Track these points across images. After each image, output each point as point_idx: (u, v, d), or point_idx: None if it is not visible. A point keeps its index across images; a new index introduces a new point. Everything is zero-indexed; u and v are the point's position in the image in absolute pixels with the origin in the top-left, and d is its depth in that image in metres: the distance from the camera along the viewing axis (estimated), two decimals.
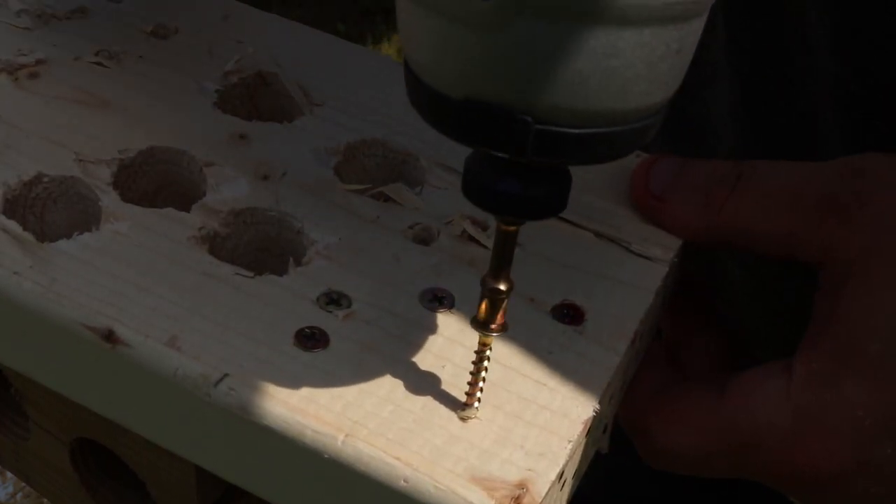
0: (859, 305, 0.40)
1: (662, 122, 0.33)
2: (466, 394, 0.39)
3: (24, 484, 1.14)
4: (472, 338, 0.41)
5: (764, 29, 0.51)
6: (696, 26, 0.31)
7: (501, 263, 0.36)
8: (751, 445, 0.41)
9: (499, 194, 0.33)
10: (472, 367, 0.38)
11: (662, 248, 0.45)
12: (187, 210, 0.45)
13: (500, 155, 0.32)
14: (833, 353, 0.41)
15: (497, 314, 0.37)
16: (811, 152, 0.48)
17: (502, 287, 0.36)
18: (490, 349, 0.38)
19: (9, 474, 1.16)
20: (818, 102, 0.50)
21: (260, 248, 0.46)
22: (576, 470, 0.41)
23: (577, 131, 0.31)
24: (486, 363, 0.38)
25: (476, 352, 0.38)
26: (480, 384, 0.38)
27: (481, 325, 0.37)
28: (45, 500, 1.12)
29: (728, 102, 0.54)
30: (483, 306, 0.37)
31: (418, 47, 0.32)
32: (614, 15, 0.29)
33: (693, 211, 0.45)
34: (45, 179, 0.46)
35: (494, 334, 0.37)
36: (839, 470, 0.40)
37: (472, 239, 0.45)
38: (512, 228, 0.35)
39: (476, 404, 0.39)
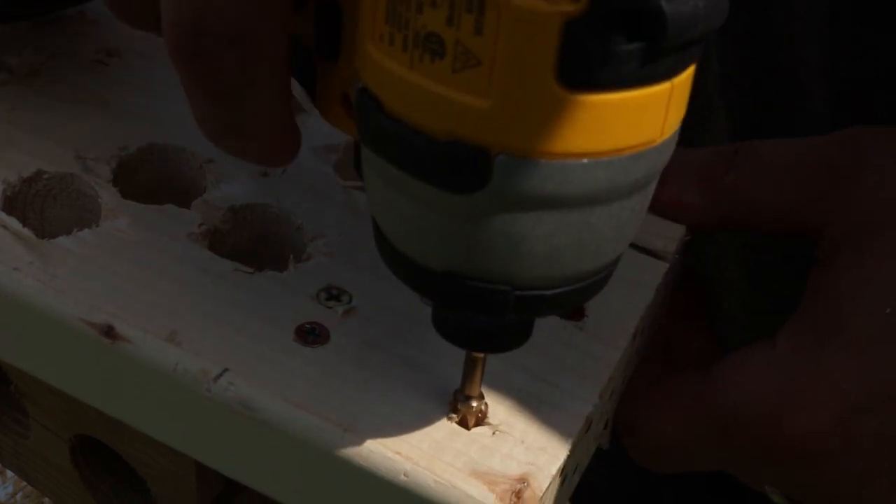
0: (848, 278, 0.40)
1: None
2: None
3: (24, 484, 1.14)
4: None
5: (758, 65, 0.51)
6: (654, 184, 0.32)
7: (471, 382, 0.37)
8: (735, 423, 0.41)
9: (470, 334, 0.35)
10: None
11: (664, 241, 0.45)
12: (187, 207, 0.45)
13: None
14: (818, 325, 0.40)
15: (474, 420, 0.38)
16: None
17: (474, 404, 0.38)
18: None
19: (9, 474, 1.16)
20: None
21: (260, 244, 0.46)
22: (577, 465, 0.41)
23: (553, 292, 0.32)
24: None
25: None
26: None
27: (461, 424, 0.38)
28: (46, 500, 1.12)
29: (724, 134, 0.54)
30: (460, 413, 0.38)
31: (394, 223, 0.33)
32: (587, 199, 0.30)
33: (692, 189, 0.45)
34: (45, 176, 0.46)
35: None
36: (823, 444, 0.40)
37: None
38: (480, 355, 0.37)
39: None
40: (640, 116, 0.29)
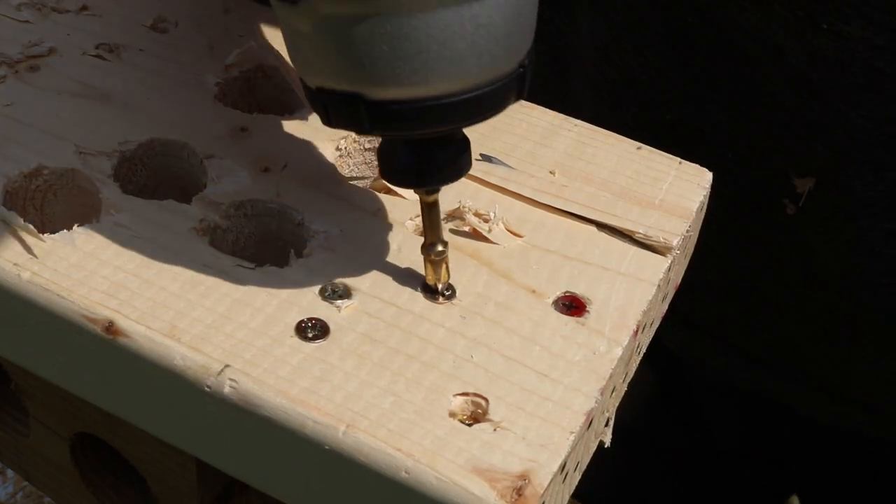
0: None
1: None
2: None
3: (24, 483, 1.13)
4: (474, 329, 0.41)
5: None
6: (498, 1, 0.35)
7: (433, 228, 0.41)
8: None
9: (400, 171, 0.39)
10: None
11: (665, 236, 0.45)
12: (188, 202, 0.45)
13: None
14: None
15: (442, 274, 0.41)
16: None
17: (440, 248, 0.41)
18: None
19: (9, 474, 1.16)
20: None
21: (261, 240, 0.46)
22: (578, 462, 0.40)
23: (406, 107, 0.36)
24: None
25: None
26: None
27: (432, 291, 0.42)
28: (46, 500, 1.12)
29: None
30: (430, 271, 0.41)
31: (286, 46, 0.39)
32: (393, 6, 0.33)
33: None
34: (46, 171, 0.46)
35: (443, 302, 0.41)
36: None
37: (473, 231, 0.45)
38: (431, 198, 0.40)
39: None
40: None
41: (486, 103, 0.37)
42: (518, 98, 0.38)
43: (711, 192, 0.48)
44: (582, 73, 0.58)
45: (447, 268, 0.41)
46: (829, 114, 0.48)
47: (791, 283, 0.56)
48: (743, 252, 0.57)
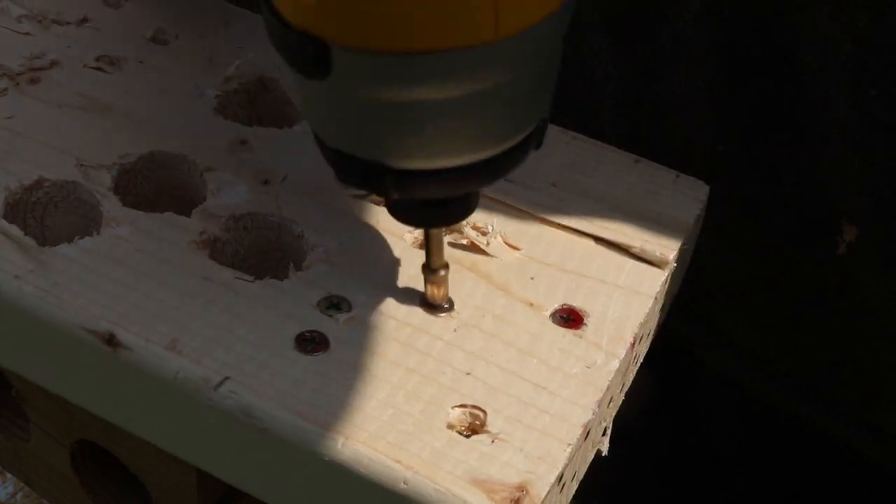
0: None
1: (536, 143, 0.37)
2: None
3: (24, 484, 1.14)
4: (473, 341, 0.41)
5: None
6: (504, 93, 0.34)
7: (436, 254, 0.41)
8: None
9: (408, 215, 0.39)
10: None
11: (662, 249, 0.45)
12: (188, 215, 0.45)
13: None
14: None
15: (443, 292, 0.42)
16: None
17: (442, 273, 0.41)
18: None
19: (9, 473, 1.16)
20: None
21: (260, 252, 0.46)
22: (575, 472, 0.41)
23: (430, 175, 0.36)
24: None
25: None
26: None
27: (432, 307, 0.42)
28: (46, 502, 1.12)
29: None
30: (430, 290, 0.42)
31: (300, 102, 0.39)
32: (426, 90, 0.33)
33: None
34: (46, 184, 0.46)
35: (443, 315, 0.42)
36: None
37: (471, 244, 0.45)
38: (436, 231, 0.40)
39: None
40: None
41: (509, 163, 0.36)
42: (537, 147, 0.38)
43: (764, 211, 0.48)
44: (618, 94, 0.58)
45: (447, 286, 0.42)
46: (875, 170, 0.48)
47: (835, 317, 0.56)
48: (788, 278, 0.57)
